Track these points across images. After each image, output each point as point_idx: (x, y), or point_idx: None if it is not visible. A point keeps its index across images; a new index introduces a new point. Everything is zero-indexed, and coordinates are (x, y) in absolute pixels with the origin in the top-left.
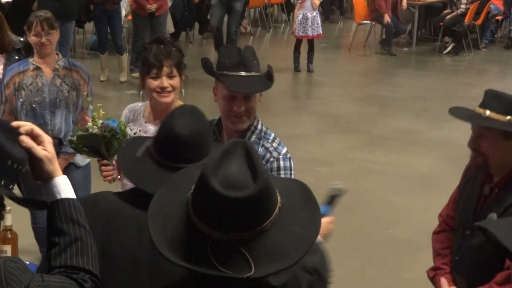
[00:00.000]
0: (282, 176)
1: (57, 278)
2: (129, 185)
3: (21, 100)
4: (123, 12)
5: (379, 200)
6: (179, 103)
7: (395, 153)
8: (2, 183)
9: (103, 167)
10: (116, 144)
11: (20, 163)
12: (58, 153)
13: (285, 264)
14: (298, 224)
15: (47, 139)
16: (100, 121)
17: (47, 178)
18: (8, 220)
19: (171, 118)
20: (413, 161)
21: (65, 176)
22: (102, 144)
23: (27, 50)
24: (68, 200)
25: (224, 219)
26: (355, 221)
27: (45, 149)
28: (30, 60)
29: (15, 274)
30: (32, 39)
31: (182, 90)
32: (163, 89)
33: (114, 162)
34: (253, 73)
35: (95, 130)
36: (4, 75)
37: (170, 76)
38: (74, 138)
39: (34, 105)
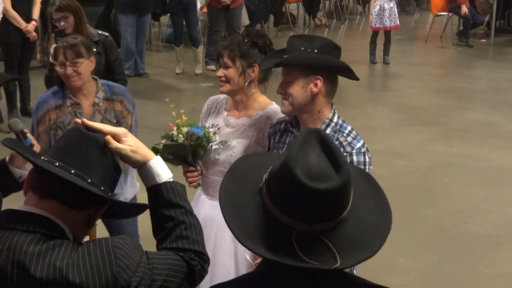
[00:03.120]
0: None
1: (162, 252)
2: (210, 183)
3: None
4: (199, 5)
5: (457, 193)
6: (261, 99)
7: (473, 145)
8: (102, 189)
9: (188, 174)
10: (201, 152)
11: (118, 172)
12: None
13: (369, 253)
14: (370, 212)
15: (122, 132)
16: (185, 129)
17: (140, 165)
18: None
19: None
20: (492, 154)
21: (158, 157)
22: (189, 153)
23: (60, 80)
24: (165, 184)
25: (309, 210)
26: (433, 215)
27: (126, 143)
28: (68, 92)
29: (124, 250)
30: (57, 69)
31: (254, 83)
32: (219, 78)
33: (198, 168)
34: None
35: (181, 139)
36: (36, 107)
37: (224, 66)
38: (160, 147)
39: None
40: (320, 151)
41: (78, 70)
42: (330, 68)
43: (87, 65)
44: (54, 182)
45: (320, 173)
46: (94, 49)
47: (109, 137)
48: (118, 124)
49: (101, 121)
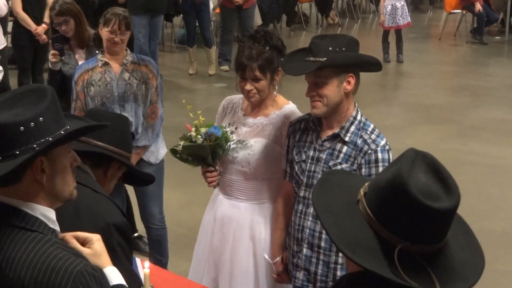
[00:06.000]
0: (380, 168)
1: None
2: (227, 182)
3: (90, 95)
4: (211, 6)
5: (473, 192)
6: (278, 99)
7: (488, 143)
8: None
9: (207, 174)
10: (220, 152)
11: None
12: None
13: (466, 286)
14: (461, 248)
15: (95, 238)
16: (203, 130)
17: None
18: None
19: None
20: (507, 151)
21: (113, 268)
22: (209, 154)
23: (97, 43)
24: (117, 286)
25: (415, 229)
26: None
27: (90, 247)
28: (99, 56)
29: (89, 285)
30: (106, 34)
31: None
32: (248, 92)
33: (217, 167)
34: (318, 59)
35: (200, 140)
36: (74, 74)
37: (254, 79)
38: (179, 148)
39: (104, 100)
40: (428, 172)
41: (124, 40)
42: (367, 64)
43: (128, 36)
44: None
45: (431, 192)
46: (97, 51)
47: (68, 238)
48: (145, 84)
49: (129, 78)
